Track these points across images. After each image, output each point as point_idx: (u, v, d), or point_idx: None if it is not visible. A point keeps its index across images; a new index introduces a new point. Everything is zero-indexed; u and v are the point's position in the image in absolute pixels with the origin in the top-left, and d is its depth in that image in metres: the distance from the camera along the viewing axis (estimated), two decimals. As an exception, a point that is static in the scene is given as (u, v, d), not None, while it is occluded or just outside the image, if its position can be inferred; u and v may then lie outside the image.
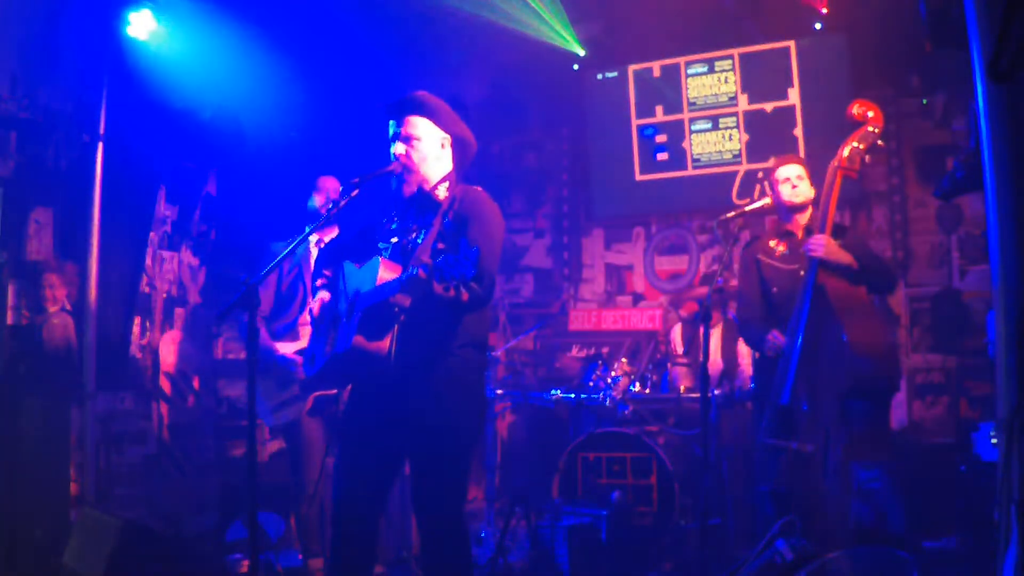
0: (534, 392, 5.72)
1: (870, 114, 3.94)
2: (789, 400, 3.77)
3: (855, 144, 3.91)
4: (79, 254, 5.06)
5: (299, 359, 4.18)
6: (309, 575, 4.35)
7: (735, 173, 6.53)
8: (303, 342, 4.27)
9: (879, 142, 3.94)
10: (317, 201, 4.49)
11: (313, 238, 4.47)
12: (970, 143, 3.02)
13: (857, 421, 3.59)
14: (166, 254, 5.84)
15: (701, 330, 3.63)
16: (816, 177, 4.19)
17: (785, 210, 4.21)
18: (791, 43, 6.32)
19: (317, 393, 4.11)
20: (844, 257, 3.85)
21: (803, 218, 4.19)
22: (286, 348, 4.27)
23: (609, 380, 5.30)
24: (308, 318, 4.33)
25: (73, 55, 5.08)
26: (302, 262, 4.42)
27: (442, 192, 3.11)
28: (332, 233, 4.39)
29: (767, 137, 6.40)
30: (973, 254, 5.94)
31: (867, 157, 3.95)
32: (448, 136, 3.15)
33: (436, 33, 6.12)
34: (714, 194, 6.54)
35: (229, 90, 5.49)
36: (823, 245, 3.82)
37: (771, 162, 4.32)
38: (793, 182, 4.14)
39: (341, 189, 3.02)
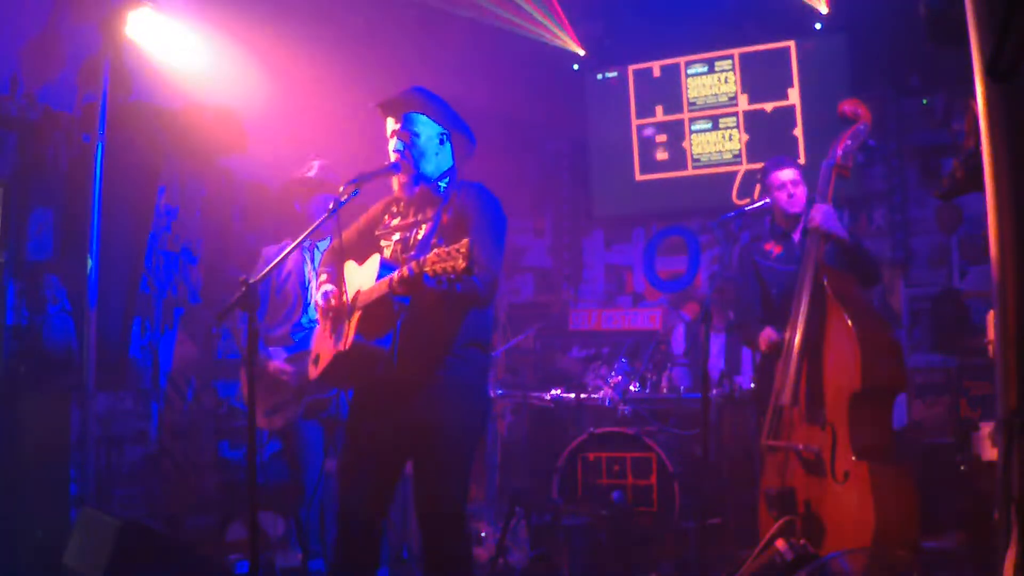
0: (534, 392, 5.71)
1: (860, 112, 3.97)
2: (791, 400, 3.76)
3: (848, 142, 3.94)
4: (79, 254, 5.06)
5: (289, 368, 4.16)
6: (309, 575, 4.34)
7: (735, 173, 6.53)
8: (297, 347, 4.25)
9: (870, 140, 3.97)
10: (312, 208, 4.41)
11: (309, 243, 4.45)
12: (970, 143, 3.01)
13: (861, 421, 3.58)
14: (166, 254, 5.84)
15: (702, 330, 3.63)
16: (809, 176, 4.18)
17: (783, 217, 4.20)
18: (791, 43, 6.32)
19: (311, 397, 4.09)
20: (840, 231, 3.87)
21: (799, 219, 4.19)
22: (279, 354, 4.25)
23: (609, 380, 5.30)
24: (304, 323, 4.33)
25: (73, 55, 5.08)
26: (298, 267, 4.39)
27: (442, 188, 3.10)
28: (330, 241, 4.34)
29: (767, 137, 6.40)
30: (973, 254, 5.94)
31: (858, 155, 3.97)
32: (446, 131, 3.14)
33: (436, 33, 6.12)
34: (714, 194, 6.54)
35: (229, 90, 5.49)
36: (822, 213, 3.83)
37: (766, 163, 4.30)
38: (790, 189, 4.13)
39: (341, 189, 3.00)
